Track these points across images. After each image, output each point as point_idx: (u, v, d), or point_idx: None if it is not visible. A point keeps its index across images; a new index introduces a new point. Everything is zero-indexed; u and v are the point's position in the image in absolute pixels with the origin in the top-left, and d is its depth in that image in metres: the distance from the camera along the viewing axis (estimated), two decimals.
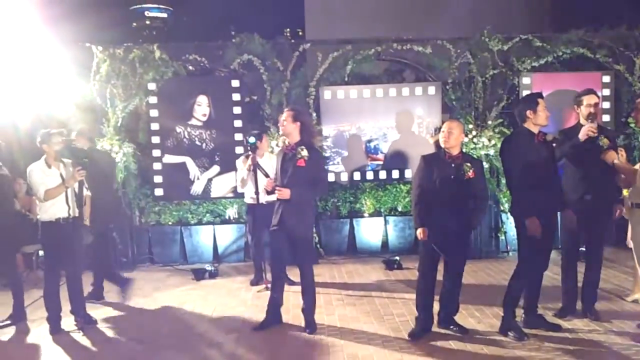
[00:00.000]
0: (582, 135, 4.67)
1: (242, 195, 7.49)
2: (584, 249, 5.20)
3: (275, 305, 5.06)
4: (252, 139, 5.83)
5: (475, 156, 7.35)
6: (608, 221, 4.97)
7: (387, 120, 7.79)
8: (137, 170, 7.59)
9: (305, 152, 4.77)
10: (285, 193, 4.73)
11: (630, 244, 5.07)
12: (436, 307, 4.81)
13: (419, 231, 4.56)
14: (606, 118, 7.79)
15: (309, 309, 4.96)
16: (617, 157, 4.40)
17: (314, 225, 5.89)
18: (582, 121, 4.88)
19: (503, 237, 7.68)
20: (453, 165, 4.51)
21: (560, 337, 4.57)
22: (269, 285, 5.82)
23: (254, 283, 6.49)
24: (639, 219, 4.36)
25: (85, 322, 5.16)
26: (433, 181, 4.52)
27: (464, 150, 7.25)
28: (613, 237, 7.13)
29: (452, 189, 4.48)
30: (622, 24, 7.93)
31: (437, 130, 5.00)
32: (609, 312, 5.13)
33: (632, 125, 7.51)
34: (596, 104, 4.88)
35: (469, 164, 4.50)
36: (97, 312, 5.51)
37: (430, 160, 4.61)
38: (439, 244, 4.52)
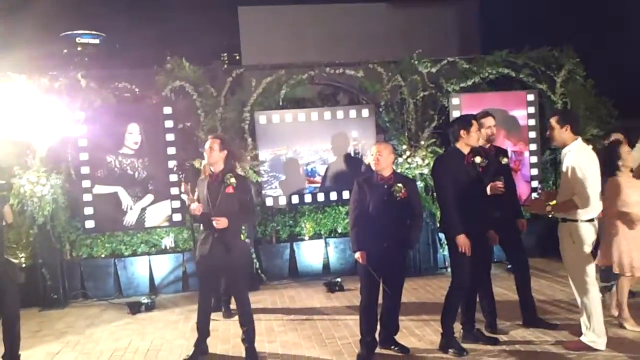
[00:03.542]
0: (490, 191, 4.85)
1: (178, 224, 7.37)
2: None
3: (203, 335, 4.97)
4: None
5: (410, 176, 7.52)
6: (518, 234, 5.20)
7: (323, 143, 7.84)
8: (66, 202, 7.29)
9: (233, 180, 4.78)
10: (223, 222, 4.67)
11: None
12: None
13: (357, 255, 4.59)
14: (532, 135, 8.13)
15: (248, 339, 4.87)
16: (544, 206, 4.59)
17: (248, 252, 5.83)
18: (482, 142, 5.06)
19: (441, 254, 7.82)
20: (385, 186, 4.58)
21: (498, 350, 4.67)
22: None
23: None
24: (565, 232, 4.53)
25: None
26: (367, 204, 4.58)
27: (398, 170, 7.45)
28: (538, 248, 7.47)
29: (386, 210, 4.54)
30: (543, 45, 8.34)
31: None
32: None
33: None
34: (495, 126, 5.16)
35: (400, 185, 4.57)
36: (28, 353, 5.19)
37: (363, 184, 4.67)
38: (377, 265, 4.55)
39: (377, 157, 4.60)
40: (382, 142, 5.04)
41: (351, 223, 4.71)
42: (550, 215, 4.85)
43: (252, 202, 5.13)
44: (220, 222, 4.67)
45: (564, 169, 4.50)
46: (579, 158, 4.41)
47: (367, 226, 4.57)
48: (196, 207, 4.78)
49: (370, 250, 4.56)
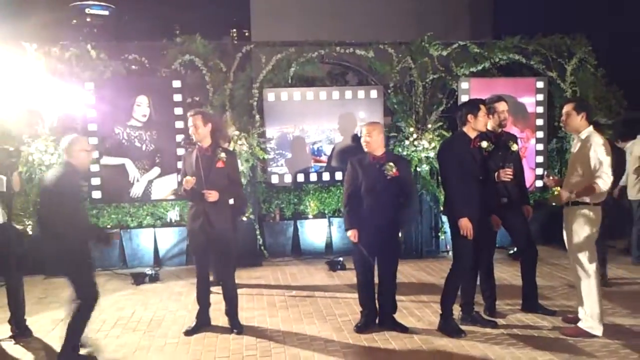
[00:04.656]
0: (498, 178, 4.88)
1: (183, 198, 7.40)
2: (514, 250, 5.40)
3: (203, 307, 5.07)
4: None
5: (416, 158, 7.55)
6: (525, 219, 5.21)
7: (330, 123, 7.84)
8: None
9: (223, 154, 4.87)
10: (214, 195, 4.74)
11: None
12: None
13: (349, 233, 4.74)
14: (539, 122, 8.11)
15: (232, 312, 5.03)
16: (568, 195, 4.58)
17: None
18: (492, 127, 5.07)
19: (443, 237, 7.86)
20: (377, 166, 4.68)
21: (496, 333, 4.73)
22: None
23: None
24: (575, 216, 4.56)
25: (21, 334, 4.91)
26: (359, 183, 4.69)
27: (404, 153, 7.48)
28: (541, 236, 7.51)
29: (377, 189, 4.64)
30: (555, 32, 8.28)
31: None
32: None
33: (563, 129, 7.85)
34: (507, 111, 5.15)
35: (391, 164, 4.65)
36: (33, 318, 5.28)
37: (356, 164, 4.79)
38: (370, 244, 4.67)
39: (366, 139, 4.69)
40: (371, 122, 4.99)
41: (344, 202, 4.85)
42: (553, 203, 4.89)
43: (240, 178, 5.27)
44: (212, 195, 4.74)
45: (586, 150, 4.47)
46: (600, 143, 4.45)
47: (360, 205, 4.69)
48: (189, 180, 4.73)
49: (363, 229, 4.68)
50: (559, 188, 4.77)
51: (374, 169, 4.67)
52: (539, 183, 8.00)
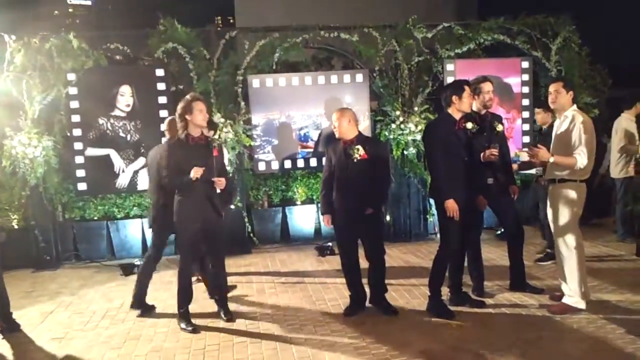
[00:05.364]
0: (484, 158, 4.87)
1: None
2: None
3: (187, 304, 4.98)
4: None
5: (402, 142, 7.53)
6: (512, 200, 5.23)
7: (316, 108, 7.81)
8: (59, 164, 7.26)
9: (217, 143, 4.86)
10: (223, 182, 4.71)
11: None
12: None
13: (323, 218, 4.85)
14: (525, 102, 8.12)
15: (223, 298, 5.04)
16: (549, 155, 4.60)
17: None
18: (477, 107, 5.07)
19: (431, 220, 7.89)
20: (348, 150, 4.71)
21: (484, 313, 4.77)
22: (199, 277, 5.79)
23: None
24: (563, 192, 4.60)
25: (8, 329, 4.86)
26: (332, 168, 4.76)
27: (391, 136, 7.45)
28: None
29: (348, 172, 4.68)
30: (540, 12, 8.26)
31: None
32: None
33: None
34: (492, 91, 5.13)
35: (358, 146, 4.66)
36: (21, 312, 5.26)
37: (330, 150, 4.87)
38: (346, 227, 4.78)
39: (334, 124, 4.76)
40: (339, 109, 4.93)
41: (320, 188, 4.94)
42: (542, 183, 4.90)
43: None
44: (222, 183, 4.69)
45: (570, 128, 4.52)
46: (582, 121, 4.48)
47: (334, 189, 4.77)
48: (198, 170, 4.53)
49: (338, 213, 4.75)
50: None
51: (344, 153, 4.71)
52: (523, 157, 8.02)
